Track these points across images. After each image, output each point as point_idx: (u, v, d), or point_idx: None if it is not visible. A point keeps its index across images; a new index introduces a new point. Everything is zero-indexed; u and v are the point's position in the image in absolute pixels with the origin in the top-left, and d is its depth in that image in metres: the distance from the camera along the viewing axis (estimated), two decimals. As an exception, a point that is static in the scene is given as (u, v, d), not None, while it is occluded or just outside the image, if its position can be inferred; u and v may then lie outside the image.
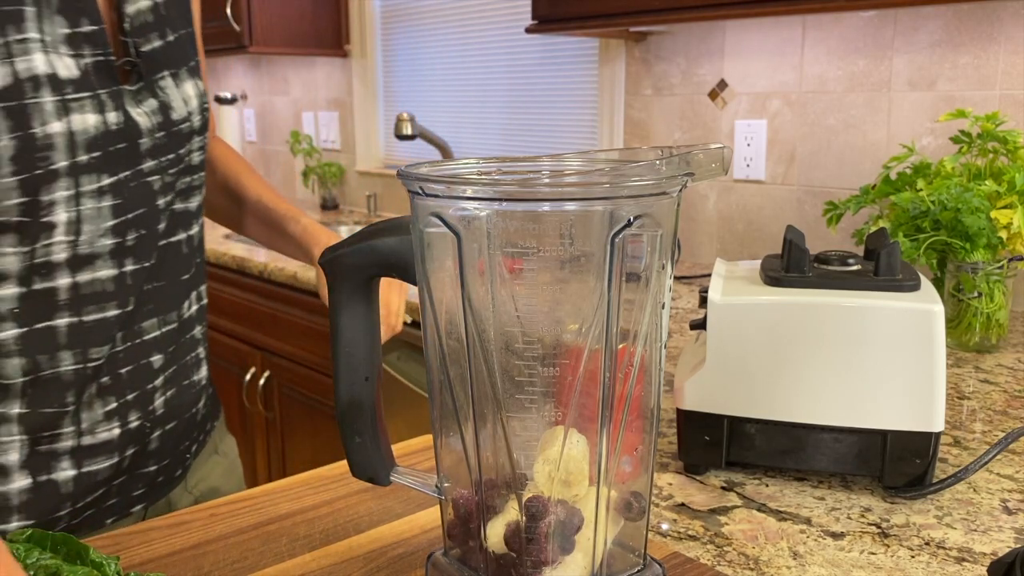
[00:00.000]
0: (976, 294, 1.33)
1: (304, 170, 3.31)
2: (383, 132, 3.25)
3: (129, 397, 0.86)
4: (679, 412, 0.87)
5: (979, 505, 0.82)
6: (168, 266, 0.89)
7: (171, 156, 0.86)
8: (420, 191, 0.53)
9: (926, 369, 0.80)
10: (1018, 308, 1.60)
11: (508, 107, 2.73)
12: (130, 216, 0.82)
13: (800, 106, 1.92)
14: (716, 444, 0.86)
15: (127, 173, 0.82)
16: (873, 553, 0.73)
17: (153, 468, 0.92)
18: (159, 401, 0.89)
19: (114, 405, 0.85)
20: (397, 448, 0.90)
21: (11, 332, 0.78)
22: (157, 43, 0.85)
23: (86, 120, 0.77)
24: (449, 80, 2.94)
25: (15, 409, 0.80)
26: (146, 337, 0.87)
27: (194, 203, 0.92)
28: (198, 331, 0.96)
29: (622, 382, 0.54)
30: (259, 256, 2.39)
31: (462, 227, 0.52)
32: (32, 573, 0.57)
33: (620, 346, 0.53)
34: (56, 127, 0.75)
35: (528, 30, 2.07)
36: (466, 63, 2.85)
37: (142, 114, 0.83)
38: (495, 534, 0.56)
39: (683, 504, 0.82)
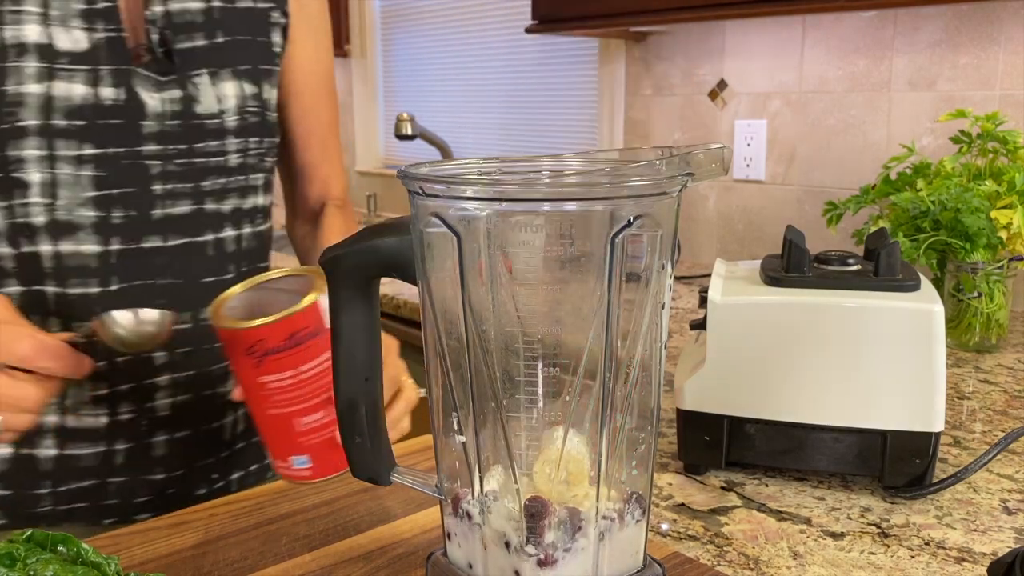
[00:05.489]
0: (976, 294, 1.33)
1: (304, 170, 3.31)
2: (383, 132, 3.25)
3: (123, 388, 0.87)
4: (679, 412, 0.87)
5: (979, 505, 0.82)
6: (188, 264, 0.88)
7: (182, 146, 0.86)
8: (420, 191, 0.53)
9: (926, 369, 0.80)
10: (1018, 308, 1.60)
11: (508, 107, 2.73)
12: (115, 192, 0.83)
13: (800, 106, 1.92)
14: (716, 444, 0.86)
15: (119, 149, 0.83)
16: (873, 553, 0.73)
17: (160, 476, 0.91)
18: (163, 402, 0.89)
19: (105, 391, 0.86)
20: (397, 448, 0.90)
21: (11, 289, 0.83)
22: (200, 42, 0.87)
23: (71, 89, 0.80)
24: (449, 80, 2.93)
25: None
26: None
27: (227, 206, 0.91)
28: None
29: (622, 382, 0.54)
30: (259, 256, 2.39)
31: (462, 227, 0.52)
32: (32, 573, 0.57)
33: (620, 346, 0.53)
34: (32, 88, 0.79)
35: (528, 30, 2.07)
36: (466, 63, 2.85)
37: (156, 98, 0.84)
38: (495, 534, 0.56)
39: (683, 504, 0.82)
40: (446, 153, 2.71)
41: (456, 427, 0.56)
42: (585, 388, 0.54)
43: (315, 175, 1.06)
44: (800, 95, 1.92)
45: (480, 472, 0.56)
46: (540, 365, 0.53)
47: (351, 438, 0.63)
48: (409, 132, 2.55)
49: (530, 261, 0.52)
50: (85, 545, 0.59)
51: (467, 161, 0.59)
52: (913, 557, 0.73)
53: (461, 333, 0.54)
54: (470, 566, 0.58)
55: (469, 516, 0.57)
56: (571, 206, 0.51)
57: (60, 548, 0.60)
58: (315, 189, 1.06)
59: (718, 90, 2.06)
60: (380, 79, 3.21)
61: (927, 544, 0.75)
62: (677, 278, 1.93)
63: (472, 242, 0.52)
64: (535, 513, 0.54)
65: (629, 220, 0.51)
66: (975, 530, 0.77)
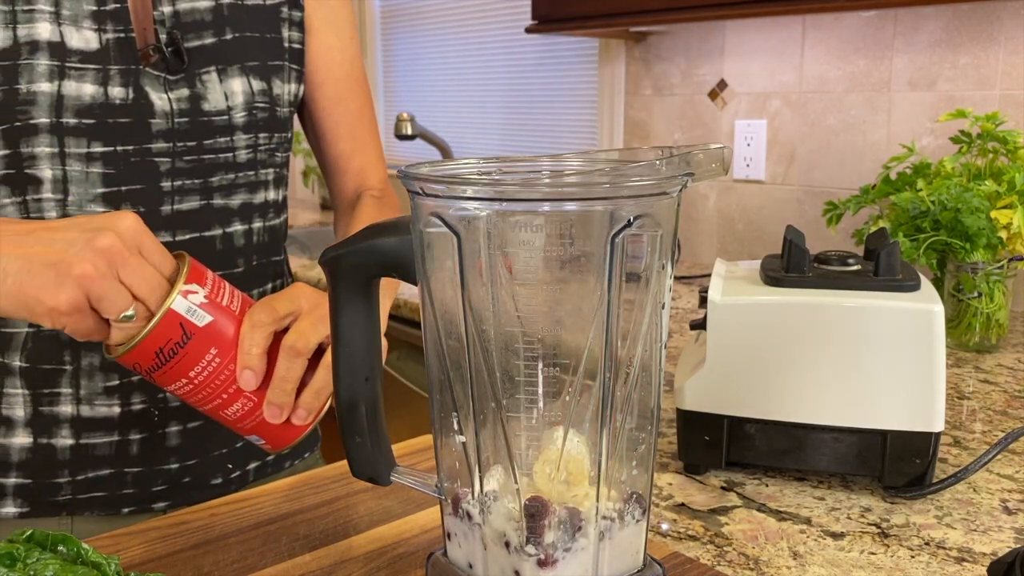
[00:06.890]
0: (976, 294, 1.33)
1: (304, 170, 3.31)
2: (383, 132, 3.25)
3: (134, 378, 0.89)
4: (679, 412, 0.87)
5: (979, 505, 0.82)
6: (196, 258, 0.89)
7: (191, 143, 0.88)
8: (420, 191, 0.53)
9: (926, 369, 0.80)
10: (1018, 308, 1.60)
11: (508, 107, 2.73)
12: (123, 189, 0.85)
13: (800, 106, 1.92)
14: (716, 444, 0.86)
15: (129, 147, 0.85)
16: (873, 553, 0.73)
17: (175, 467, 0.92)
18: None
19: (116, 382, 0.88)
20: (397, 448, 0.90)
21: None
22: (209, 40, 0.89)
23: (81, 88, 0.82)
24: (449, 80, 2.93)
25: (16, 362, 0.86)
26: None
27: (236, 201, 0.93)
28: None
29: (622, 382, 0.54)
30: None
31: (462, 227, 0.52)
32: (32, 573, 0.57)
33: (620, 346, 0.53)
34: (44, 87, 0.81)
35: (528, 30, 2.07)
36: (466, 63, 2.85)
37: (164, 97, 0.86)
38: (495, 534, 0.56)
39: (683, 504, 0.82)
40: (446, 153, 2.71)
41: (456, 427, 0.57)
42: (585, 388, 0.54)
43: (348, 167, 1.07)
44: (800, 95, 1.92)
45: (480, 472, 0.56)
46: (540, 365, 0.53)
47: (351, 438, 0.63)
48: (409, 132, 2.55)
49: (530, 261, 0.52)
50: (85, 545, 0.59)
51: (467, 161, 0.59)
52: (913, 557, 0.73)
53: (461, 333, 0.54)
54: (470, 566, 0.58)
55: (469, 516, 0.57)
56: (571, 206, 0.51)
57: (60, 548, 0.60)
58: (350, 181, 1.07)
59: (718, 90, 2.06)
60: (380, 79, 3.21)
61: (927, 544, 0.75)
62: (677, 278, 1.93)
63: (472, 242, 0.52)
64: (535, 513, 0.54)
65: (629, 220, 0.51)
66: (975, 530, 0.77)
